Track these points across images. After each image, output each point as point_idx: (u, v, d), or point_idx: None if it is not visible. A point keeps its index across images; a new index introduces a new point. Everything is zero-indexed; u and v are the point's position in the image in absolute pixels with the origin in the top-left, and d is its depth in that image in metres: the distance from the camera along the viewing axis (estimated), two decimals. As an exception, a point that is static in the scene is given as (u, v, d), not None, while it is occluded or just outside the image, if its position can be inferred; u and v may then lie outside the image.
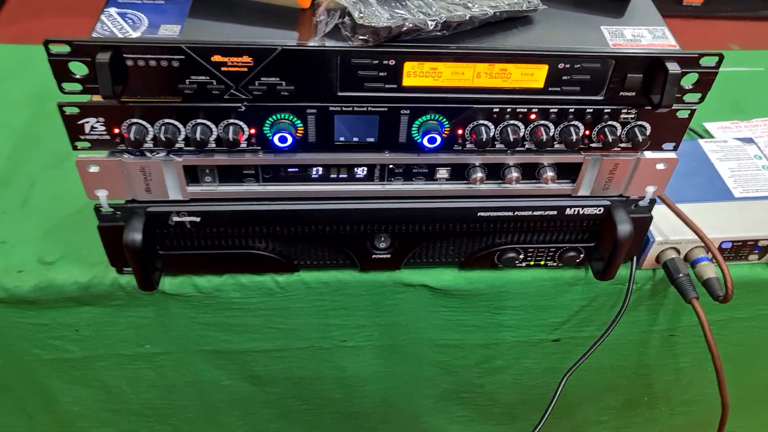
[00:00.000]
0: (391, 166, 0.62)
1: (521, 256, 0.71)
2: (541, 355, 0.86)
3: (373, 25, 0.51)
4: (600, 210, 0.67)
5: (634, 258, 0.73)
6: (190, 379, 0.84)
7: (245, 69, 0.54)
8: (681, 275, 0.70)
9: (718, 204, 0.76)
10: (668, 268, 0.72)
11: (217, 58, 0.53)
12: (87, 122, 0.56)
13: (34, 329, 0.75)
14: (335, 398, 0.90)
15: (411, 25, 0.52)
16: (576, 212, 0.67)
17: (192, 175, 0.62)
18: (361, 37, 0.52)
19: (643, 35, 0.57)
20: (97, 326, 0.75)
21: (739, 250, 0.74)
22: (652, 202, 0.67)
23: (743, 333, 0.83)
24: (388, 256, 0.69)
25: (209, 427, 0.93)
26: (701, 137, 0.90)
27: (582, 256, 0.71)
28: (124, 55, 0.52)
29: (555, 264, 0.73)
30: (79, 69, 0.53)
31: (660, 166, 0.64)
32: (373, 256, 0.69)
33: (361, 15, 0.50)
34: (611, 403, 0.98)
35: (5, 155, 0.82)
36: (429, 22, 0.52)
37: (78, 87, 0.54)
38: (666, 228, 0.72)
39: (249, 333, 0.78)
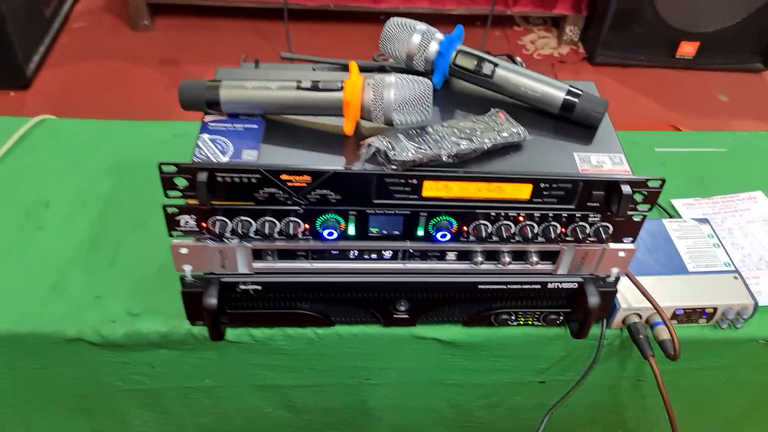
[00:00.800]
0: (411, 250, 0.81)
1: (513, 318, 0.89)
2: (530, 393, 1.03)
3: (401, 159, 0.69)
4: (575, 285, 0.85)
5: (604, 320, 0.90)
6: (239, 407, 1.02)
7: (305, 184, 0.72)
8: (641, 336, 0.88)
9: (675, 277, 0.93)
10: (631, 329, 0.89)
11: (284, 176, 0.71)
12: (182, 218, 0.75)
13: (118, 366, 0.93)
14: (358, 425, 1.08)
15: (430, 157, 0.70)
16: (556, 286, 0.85)
17: (257, 255, 0.80)
18: (393, 167, 0.70)
19: (605, 161, 0.75)
20: (169, 365, 0.93)
21: (690, 315, 0.91)
22: (617, 279, 0.85)
23: (698, 380, 1.01)
24: (407, 316, 0.87)
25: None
26: (668, 214, 1.07)
27: (561, 318, 0.89)
28: (217, 175, 0.71)
29: (540, 324, 0.90)
30: (181, 182, 0.71)
31: (621, 254, 0.81)
32: (394, 315, 0.87)
33: (394, 153, 0.69)
34: (591, 434, 1.15)
35: (92, 220, 1.00)
36: (443, 155, 0.70)
37: (178, 194, 0.73)
38: (631, 297, 0.90)
39: (291, 372, 0.95)
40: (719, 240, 0.98)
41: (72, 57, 2.33)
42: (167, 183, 0.71)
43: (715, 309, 0.91)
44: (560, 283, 0.84)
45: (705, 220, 1.02)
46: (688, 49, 2.39)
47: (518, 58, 0.96)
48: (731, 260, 0.96)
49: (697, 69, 2.45)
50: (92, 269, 0.93)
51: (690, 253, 0.96)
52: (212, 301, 0.80)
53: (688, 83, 2.42)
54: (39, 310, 0.88)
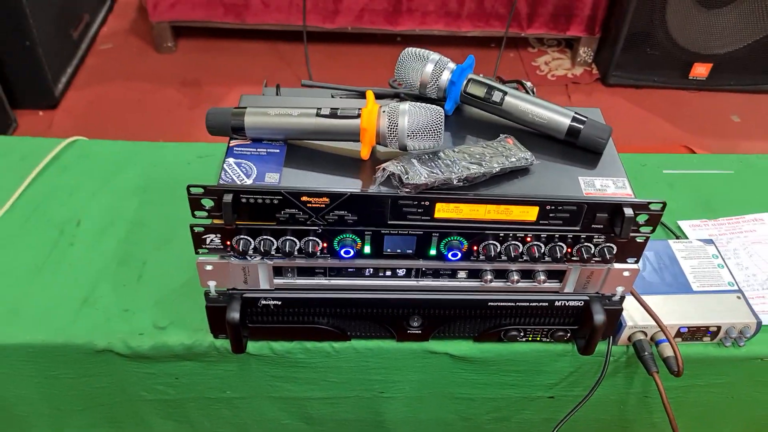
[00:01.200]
0: (424, 269, 0.85)
1: (522, 334, 0.92)
2: (539, 408, 1.06)
3: (414, 182, 0.73)
4: (581, 303, 0.88)
5: (610, 337, 0.93)
6: (258, 418, 1.06)
7: (323, 205, 0.77)
8: (646, 353, 0.91)
9: (680, 296, 0.96)
10: (636, 347, 0.92)
11: (304, 198, 0.76)
12: (208, 237, 0.79)
13: (145, 377, 0.98)
14: (372, 437, 1.11)
15: (441, 181, 0.74)
16: (563, 304, 0.88)
17: (277, 271, 0.85)
18: (406, 190, 0.74)
19: (608, 185, 0.79)
20: (192, 376, 0.98)
21: (694, 333, 0.94)
22: (622, 298, 0.88)
23: (703, 396, 1.03)
24: (419, 331, 0.91)
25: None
26: (675, 235, 1.11)
27: (569, 335, 0.92)
28: (242, 196, 0.75)
29: (548, 340, 0.94)
30: (207, 203, 0.76)
31: (626, 273, 0.85)
32: (408, 331, 0.91)
33: (407, 177, 0.73)
34: (600, 449, 1.17)
35: (121, 238, 1.06)
36: (454, 179, 0.75)
37: (204, 214, 0.77)
38: (636, 315, 0.93)
39: (309, 384, 0.99)
40: (723, 260, 1.01)
41: (98, 78, 2.41)
42: (195, 204, 0.76)
43: (719, 327, 0.94)
44: (567, 301, 0.88)
45: (710, 241, 1.05)
46: (700, 70, 2.42)
47: (528, 83, 1.00)
48: (735, 280, 0.99)
49: (709, 90, 2.48)
50: (121, 284, 0.98)
51: (695, 273, 0.99)
52: (235, 315, 0.84)
53: (701, 104, 2.44)
54: (71, 323, 0.93)
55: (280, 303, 0.87)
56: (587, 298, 0.88)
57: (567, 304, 0.88)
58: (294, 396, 1.02)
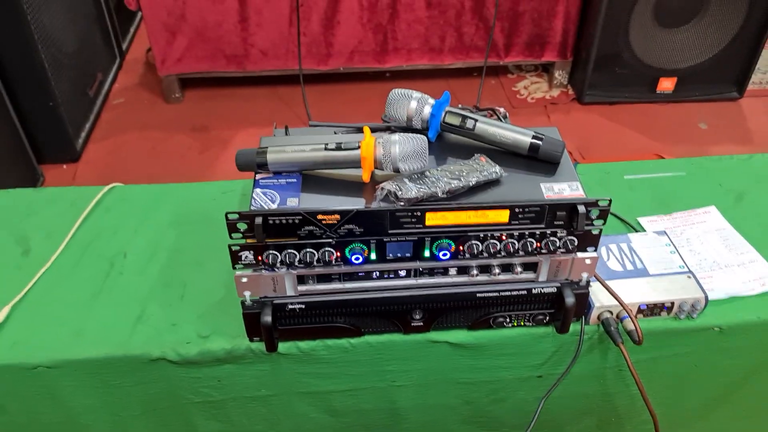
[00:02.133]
0: (421, 269, 1.03)
1: (507, 320, 1.10)
2: (531, 387, 1.23)
3: (407, 197, 0.92)
4: (554, 289, 1.06)
5: (582, 318, 1.11)
6: (289, 413, 1.23)
7: (335, 221, 0.95)
8: (612, 328, 1.08)
9: (639, 279, 1.14)
10: (604, 324, 1.10)
11: (320, 216, 0.94)
12: (243, 254, 0.98)
13: (192, 381, 1.15)
14: (389, 425, 1.28)
15: (429, 194, 0.93)
16: (539, 291, 1.06)
17: (301, 280, 1.02)
18: (401, 204, 0.93)
19: (564, 189, 0.97)
20: (232, 377, 1.15)
21: (653, 309, 1.11)
22: (588, 282, 1.06)
23: (669, 367, 1.20)
24: (421, 323, 1.09)
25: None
26: (635, 229, 1.29)
27: (547, 318, 1.10)
28: (269, 219, 0.94)
29: (530, 324, 1.11)
30: (242, 226, 0.95)
31: (588, 261, 1.03)
32: (412, 324, 1.09)
33: (401, 193, 0.92)
34: (589, 423, 1.33)
35: (163, 265, 1.24)
36: (439, 192, 0.93)
37: (239, 236, 0.96)
38: (603, 297, 1.10)
39: (331, 378, 1.16)
40: (675, 248, 1.19)
41: (114, 130, 2.61)
42: (231, 227, 0.94)
43: (673, 303, 1.11)
44: (542, 288, 1.06)
45: (663, 233, 1.23)
46: (666, 84, 2.62)
47: (501, 109, 1.20)
48: (685, 263, 1.16)
49: (677, 101, 2.68)
50: (167, 303, 1.16)
51: (651, 260, 1.17)
52: (268, 319, 1.02)
53: (670, 115, 2.64)
54: (128, 338, 1.10)
55: (304, 306, 1.04)
56: (559, 284, 1.05)
57: (542, 291, 1.06)
58: (319, 390, 1.19)
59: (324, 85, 2.78)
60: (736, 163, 1.46)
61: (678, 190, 1.39)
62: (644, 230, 1.28)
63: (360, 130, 1.13)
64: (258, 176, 1.01)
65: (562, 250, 1.00)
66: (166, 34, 2.56)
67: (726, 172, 1.43)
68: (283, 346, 1.10)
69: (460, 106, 1.12)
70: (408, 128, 1.07)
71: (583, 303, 1.08)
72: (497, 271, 1.02)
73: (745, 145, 2.50)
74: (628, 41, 2.52)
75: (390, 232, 0.97)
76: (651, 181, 1.41)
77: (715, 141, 2.52)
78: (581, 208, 0.95)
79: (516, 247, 0.99)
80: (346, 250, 0.98)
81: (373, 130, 1.09)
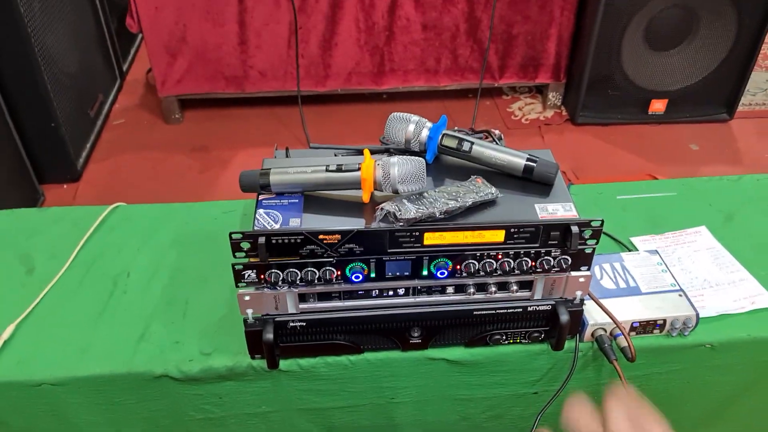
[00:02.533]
0: (419, 287, 1.05)
1: (504, 337, 1.12)
2: (527, 404, 1.25)
3: (406, 217, 0.95)
4: (549, 307, 1.08)
5: (577, 335, 1.13)
6: (289, 430, 1.24)
7: (336, 241, 0.98)
8: (606, 345, 1.11)
9: (632, 297, 1.16)
10: (598, 341, 1.12)
11: (321, 236, 0.97)
12: (246, 273, 1.00)
13: (194, 398, 1.17)
14: (387, 441, 1.30)
15: (427, 215, 0.96)
16: (534, 309, 1.09)
17: (302, 298, 1.05)
18: (400, 224, 0.96)
19: (558, 209, 1.01)
20: (233, 395, 1.17)
21: (645, 326, 1.14)
22: (582, 300, 1.09)
23: (663, 384, 1.22)
24: (419, 341, 1.11)
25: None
26: (628, 249, 1.32)
27: (542, 335, 1.12)
28: (272, 238, 0.97)
29: (526, 341, 1.13)
30: (245, 245, 0.97)
31: (581, 280, 1.06)
32: (410, 341, 1.11)
33: (400, 213, 0.95)
34: (584, 439, 1.35)
35: (165, 284, 1.26)
36: (437, 213, 0.96)
37: (242, 254, 0.98)
38: (597, 315, 1.13)
39: (330, 395, 1.18)
40: (667, 266, 1.22)
41: (114, 150, 2.64)
42: (235, 246, 0.97)
43: (665, 321, 1.14)
44: (537, 306, 1.08)
45: (655, 252, 1.26)
46: (658, 106, 2.67)
47: (496, 131, 1.23)
48: (677, 282, 1.19)
49: (668, 122, 2.73)
50: (170, 321, 1.18)
51: (643, 278, 1.20)
52: (269, 336, 1.04)
53: (662, 136, 2.69)
54: (132, 356, 1.12)
55: (304, 324, 1.07)
56: (553, 302, 1.08)
57: (537, 309, 1.09)
58: (319, 407, 1.21)
59: (322, 105, 2.82)
60: (726, 184, 1.50)
61: (669, 211, 1.42)
62: (637, 249, 1.31)
63: (360, 152, 1.16)
64: (261, 197, 1.04)
65: (556, 269, 1.03)
66: (166, 56, 2.60)
67: (716, 193, 1.47)
68: (284, 363, 1.12)
69: (456, 128, 1.16)
70: (406, 150, 1.11)
71: (578, 320, 1.11)
72: (493, 289, 1.05)
73: (735, 165, 2.55)
74: (620, 64, 2.58)
75: (389, 251, 1.00)
76: (643, 202, 1.44)
77: (706, 161, 2.56)
78: (574, 229, 0.98)
79: (511, 266, 1.02)
80: (347, 269, 1.01)
81: (373, 153, 1.13)
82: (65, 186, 2.45)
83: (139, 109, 2.88)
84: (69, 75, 2.45)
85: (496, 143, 1.17)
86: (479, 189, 1.02)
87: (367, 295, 1.06)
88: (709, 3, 2.47)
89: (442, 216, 0.97)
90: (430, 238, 0.99)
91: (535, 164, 1.05)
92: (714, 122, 2.75)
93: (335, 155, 1.18)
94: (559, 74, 2.77)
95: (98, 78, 2.78)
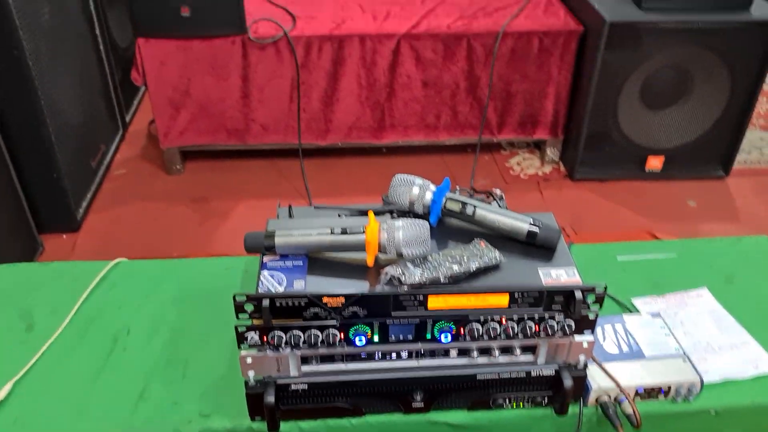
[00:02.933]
0: (422, 350, 1.05)
1: (507, 401, 1.11)
2: (530, 469, 1.23)
3: (411, 282, 0.95)
4: (552, 371, 1.08)
5: (581, 399, 1.12)
6: (287, 494, 1.22)
7: (340, 304, 0.98)
8: (610, 411, 1.10)
9: (635, 361, 1.16)
10: (602, 407, 1.11)
11: (325, 299, 0.97)
12: (249, 334, 1.00)
13: (191, 460, 1.14)
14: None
15: (431, 280, 0.96)
16: (537, 373, 1.08)
17: (304, 360, 1.04)
18: (404, 289, 0.96)
19: (561, 275, 1.01)
20: (231, 456, 1.15)
21: (650, 392, 1.13)
22: (585, 365, 1.08)
23: (667, 448, 1.21)
24: (422, 404, 1.10)
25: None
26: (629, 310, 1.32)
27: (546, 400, 1.11)
28: (276, 301, 0.96)
29: (529, 405, 1.12)
30: (249, 307, 0.97)
31: (585, 345, 1.05)
32: (412, 404, 1.10)
33: (404, 277, 0.95)
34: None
35: (166, 342, 1.25)
36: (441, 277, 0.96)
37: (245, 315, 0.98)
38: (601, 379, 1.12)
39: (330, 458, 1.16)
40: (670, 330, 1.22)
41: (115, 201, 2.65)
42: (239, 308, 0.97)
43: (670, 387, 1.13)
44: (541, 370, 1.08)
45: (657, 314, 1.26)
46: (655, 163, 2.71)
47: (498, 191, 1.24)
48: (680, 346, 1.19)
49: (666, 179, 2.76)
50: (169, 381, 1.17)
51: (646, 341, 1.20)
52: (271, 399, 1.03)
53: (660, 192, 2.72)
54: (130, 416, 1.11)
55: (306, 387, 1.05)
56: (557, 367, 1.08)
57: (541, 374, 1.08)
58: (318, 470, 1.18)
59: (322, 158, 2.85)
60: (726, 245, 1.51)
61: (670, 271, 1.43)
62: (638, 311, 1.31)
63: (363, 213, 1.17)
64: (266, 258, 1.04)
65: (559, 333, 1.03)
66: (170, 109, 2.64)
67: (716, 254, 1.48)
68: (284, 426, 1.10)
69: (458, 188, 1.17)
70: (410, 212, 1.12)
71: (581, 385, 1.10)
72: (497, 353, 1.05)
73: (733, 222, 2.57)
74: (617, 121, 2.62)
75: (393, 314, 1.00)
76: (644, 262, 1.45)
77: (704, 219, 2.58)
78: (578, 294, 0.98)
79: (515, 331, 1.02)
80: (350, 332, 1.00)
81: (376, 213, 1.13)
82: (64, 236, 2.45)
83: (140, 159, 2.90)
84: (73, 126, 2.47)
85: (498, 203, 1.18)
86: (483, 253, 1.02)
87: (370, 357, 1.05)
88: (702, 64, 2.52)
89: (447, 281, 0.98)
90: (435, 302, 0.99)
91: (538, 230, 1.06)
92: (710, 179, 2.78)
93: (339, 215, 1.19)
94: (556, 130, 2.81)
95: (101, 128, 2.81)
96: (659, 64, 2.52)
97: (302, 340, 1.00)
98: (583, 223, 2.50)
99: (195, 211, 2.59)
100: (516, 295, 0.99)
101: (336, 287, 0.98)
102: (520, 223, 1.06)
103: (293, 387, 1.05)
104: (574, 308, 0.98)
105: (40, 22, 2.24)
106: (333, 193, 2.69)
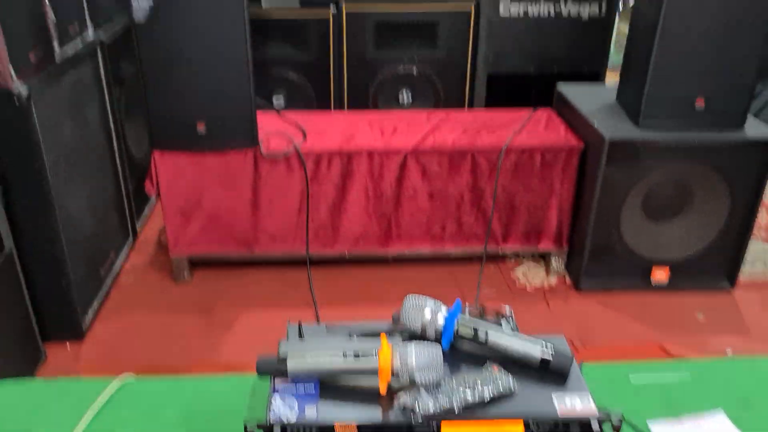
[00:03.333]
0: (435, 481, 1.02)
1: None
2: None
3: (425, 412, 0.94)
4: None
5: None
6: None
7: (352, 432, 0.96)
8: None
9: (655, 492, 1.12)
10: None
11: (337, 429, 0.95)
12: (258, 464, 0.97)
13: None
14: None
15: (446, 409, 0.95)
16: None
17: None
18: (419, 419, 0.95)
19: (576, 403, 1.00)
20: None
21: None
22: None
23: None
24: None
25: None
26: (645, 435, 1.29)
27: None
28: (288, 429, 0.95)
29: None
30: (260, 435, 0.95)
31: (603, 475, 1.02)
32: None
33: (418, 407, 0.94)
34: None
35: (169, 466, 1.22)
36: (455, 407, 0.95)
37: (257, 444, 0.96)
38: None
39: None
40: (688, 458, 1.19)
41: (121, 310, 2.65)
42: (250, 437, 0.95)
43: None
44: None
45: (674, 440, 1.23)
46: (660, 274, 2.72)
47: (507, 309, 1.25)
48: (700, 475, 1.15)
49: (672, 291, 2.76)
50: None
51: (665, 471, 1.16)
52: None
53: (667, 304, 2.71)
54: None
55: None
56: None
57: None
58: None
59: (329, 268, 2.87)
60: (740, 365, 1.49)
61: (684, 392, 1.40)
62: (654, 436, 1.28)
63: (375, 334, 1.17)
64: (277, 382, 1.03)
65: (581, 457, 1.00)
66: (180, 219, 2.69)
67: (730, 375, 1.46)
68: None
69: (467, 307, 1.18)
70: (422, 335, 1.12)
71: None
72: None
73: (743, 335, 2.55)
74: (620, 234, 2.66)
75: None
76: (657, 384, 1.43)
77: (713, 332, 2.56)
78: (595, 425, 0.97)
79: (532, 457, 0.99)
80: (362, 456, 0.98)
81: (387, 333, 1.14)
82: (68, 345, 2.43)
83: (148, 267, 2.93)
84: (85, 237, 2.52)
85: (508, 321, 1.19)
86: (497, 379, 1.02)
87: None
88: (701, 179, 2.59)
89: (461, 410, 0.96)
90: (449, 430, 0.97)
91: (551, 359, 1.06)
92: (718, 291, 2.78)
93: (350, 335, 1.19)
94: (561, 242, 2.85)
95: (112, 236, 2.85)
96: (659, 179, 2.59)
97: (312, 467, 0.98)
98: (591, 335, 2.48)
99: (201, 321, 2.58)
100: (531, 425, 0.97)
101: (348, 414, 0.97)
102: (532, 351, 1.07)
103: None
104: (591, 441, 0.96)
105: (61, 136, 2.33)
106: (340, 303, 2.70)
